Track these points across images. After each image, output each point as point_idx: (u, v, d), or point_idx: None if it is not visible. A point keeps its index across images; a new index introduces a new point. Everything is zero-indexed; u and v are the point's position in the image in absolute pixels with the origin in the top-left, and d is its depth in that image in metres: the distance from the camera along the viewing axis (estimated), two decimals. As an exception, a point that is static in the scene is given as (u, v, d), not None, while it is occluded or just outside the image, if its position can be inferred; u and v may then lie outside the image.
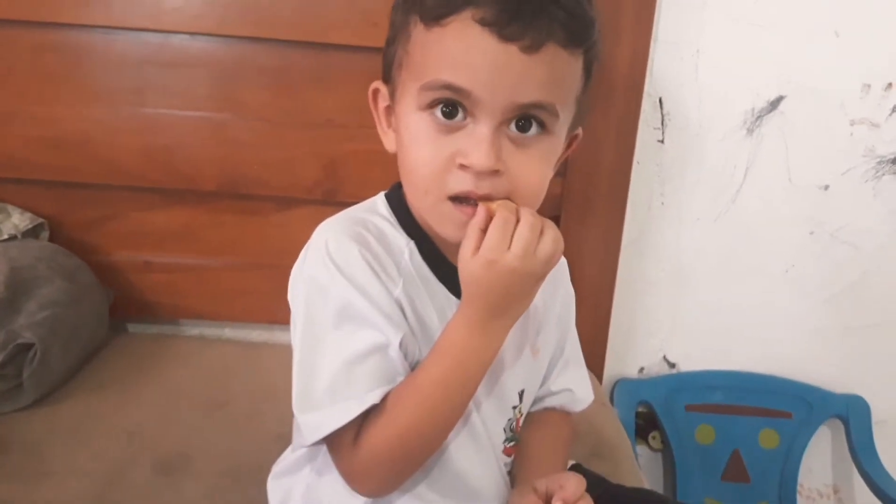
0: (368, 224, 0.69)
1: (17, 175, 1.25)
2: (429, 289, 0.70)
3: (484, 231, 0.61)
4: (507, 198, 0.63)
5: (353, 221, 0.69)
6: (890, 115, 1.29)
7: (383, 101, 0.71)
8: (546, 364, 0.82)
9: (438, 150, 0.63)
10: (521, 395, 0.77)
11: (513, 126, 0.63)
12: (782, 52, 1.26)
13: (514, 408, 0.76)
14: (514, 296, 0.63)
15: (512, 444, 0.78)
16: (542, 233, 0.62)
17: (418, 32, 0.64)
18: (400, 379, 0.65)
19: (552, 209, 1.27)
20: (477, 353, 0.64)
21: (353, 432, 0.64)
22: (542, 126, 0.64)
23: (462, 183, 0.62)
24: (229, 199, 1.29)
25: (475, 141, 0.61)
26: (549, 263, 0.62)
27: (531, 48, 0.59)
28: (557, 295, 0.83)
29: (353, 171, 1.24)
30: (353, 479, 0.67)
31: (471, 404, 0.69)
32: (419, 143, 0.64)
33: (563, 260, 0.84)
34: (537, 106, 0.62)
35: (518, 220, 0.61)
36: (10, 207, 1.23)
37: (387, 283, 0.66)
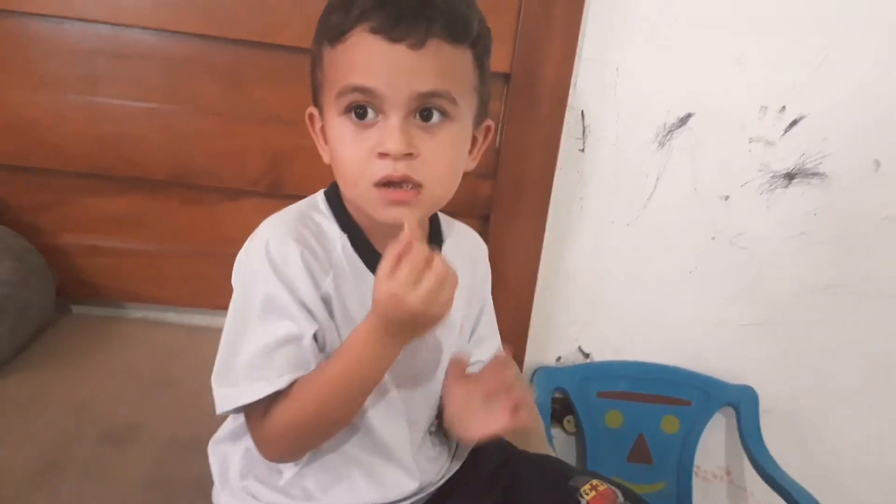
0: (308, 221, 0.78)
1: (-35, 157, 1.25)
2: (357, 278, 0.78)
3: (399, 260, 0.66)
4: (420, 183, 0.72)
5: (296, 220, 0.78)
6: (783, 134, 1.40)
7: (318, 123, 0.80)
8: (467, 337, 0.91)
9: (359, 145, 0.72)
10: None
11: (417, 117, 0.72)
12: (692, 74, 1.35)
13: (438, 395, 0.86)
14: (410, 327, 0.70)
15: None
16: (445, 281, 0.67)
17: (327, 53, 0.74)
18: (311, 367, 0.73)
19: (483, 209, 1.36)
20: (371, 360, 0.71)
21: (263, 409, 0.73)
22: (444, 114, 0.73)
23: (383, 169, 0.71)
24: (177, 188, 1.32)
25: (388, 131, 0.70)
26: (446, 308, 0.68)
27: (417, 45, 0.69)
28: (477, 276, 0.92)
29: (297, 165, 1.29)
30: (260, 448, 0.76)
31: (392, 384, 0.79)
32: (343, 143, 0.73)
33: (483, 243, 0.95)
34: (434, 94, 0.71)
35: (429, 266, 0.66)
36: None
37: (318, 277, 0.74)
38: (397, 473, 0.82)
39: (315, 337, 0.74)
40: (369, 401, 0.77)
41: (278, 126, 1.28)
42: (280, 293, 0.72)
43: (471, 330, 0.92)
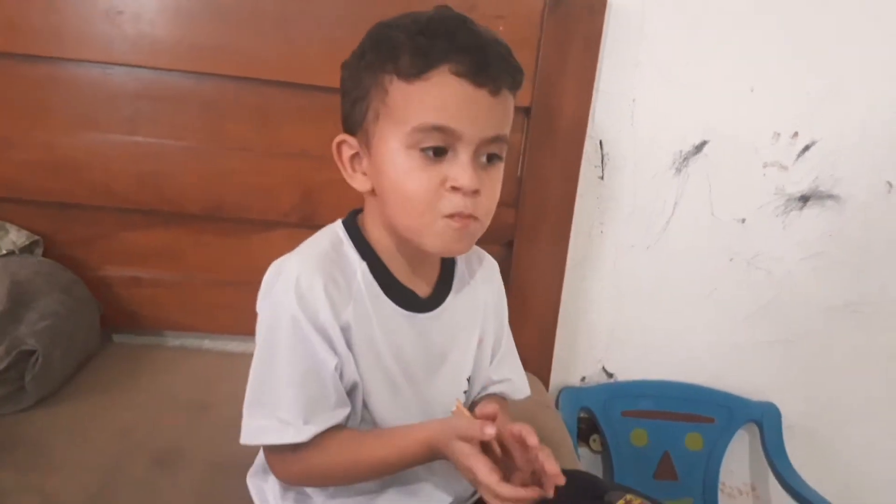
0: (332, 254, 0.81)
1: (14, 195, 1.32)
2: (376, 304, 0.81)
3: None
4: (479, 218, 0.77)
5: (322, 257, 0.80)
6: (796, 159, 1.44)
7: (349, 151, 0.81)
8: (489, 353, 0.94)
9: (430, 178, 0.74)
10: (469, 380, 0.90)
11: (483, 158, 0.77)
12: (706, 103, 1.40)
13: (465, 392, 0.90)
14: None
15: None
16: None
17: (396, 87, 0.75)
18: (333, 402, 0.77)
19: (506, 236, 1.41)
20: (420, 458, 0.77)
21: (291, 449, 0.76)
22: (499, 157, 0.79)
23: (454, 204, 0.75)
24: (212, 221, 1.38)
25: (461, 167, 0.74)
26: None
27: (495, 92, 0.74)
28: (491, 289, 0.95)
29: (325, 197, 1.34)
30: (278, 475, 0.82)
31: (413, 395, 0.84)
32: (412, 175, 0.75)
33: (493, 260, 0.98)
34: (499, 138, 0.77)
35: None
36: (7, 225, 1.30)
37: (339, 308, 0.77)
38: (430, 487, 0.86)
39: (336, 367, 0.78)
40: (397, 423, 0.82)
41: (307, 160, 1.34)
42: (306, 328, 0.76)
43: (492, 349, 0.95)
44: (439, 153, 0.75)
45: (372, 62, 0.77)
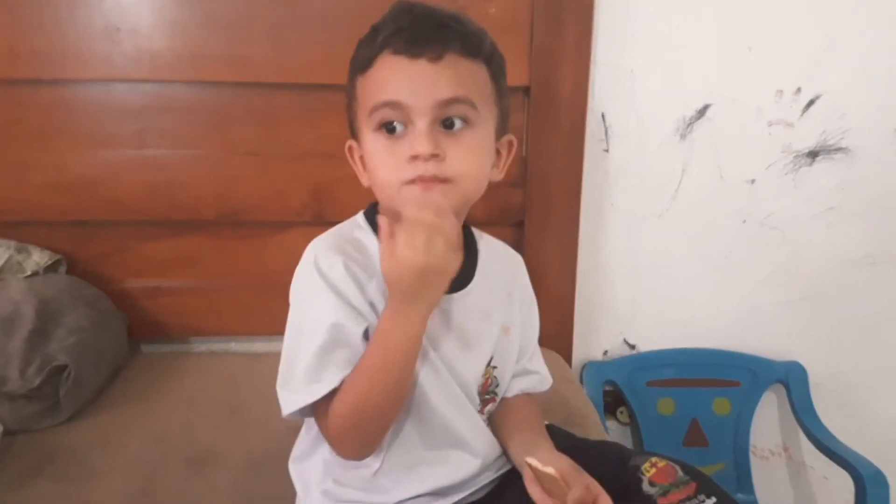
0: (349, 237, 0.85)
1: (34, 217, 1.36)
2: None
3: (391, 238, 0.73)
4: (449, 179, 0.77)
5: (337, 236, 0.86)
6: (801, 115, 1.43)
7: (356, 153, 0.87)
8: (517, 345, 0.96)
9: (392, 154, 0.78)
10: (490, 363, 0.91)
11: (442, 126, 0.79)
12: (705, 66, 1.40)
13: (483, 374, 0.91)
14: (421, 287, 0.74)
15: (486, 405, 0.93)
16: (436, 230, 0.72)
17: (359, 82, 0.82)
18: (358, 353, 0.79)
19: (516, 216, 1.42)
20: (401, 335, 0.77)
21: (325, 407, 0.79)
22: (466, 121, 0.80)
23: (414, 170, 0.77)
24: (228, 226, 1.41)
25: (415, 137, 0.77)
26: (444, 259, 0.72)
27: (435, 58, 0.77)
28: (516, 283, 0.98)
29: (335, 193, 1.37)
30: (333, 447, 0.83)
31: (445, 369, 0.85)
32: (378, 155, 0.80)
33: (518, 255, 1.01)
34: (454, 100, 0.78)
35: (419, 223, 0.72)
36: (30, 247, 1.33)
37: (362, 283, 0.80)
38: (457, 452, 0.88)
39: (366, 335, 0.80)
40: (426, 393, 0.84)
41: (315, 159, 1.36)
42: (330, 299, 0.79)
43: (519, 339, 0.97)
44: (396, 129, 0.79)
45: (349, 70, 0.85)
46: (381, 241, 0.75)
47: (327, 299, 0.79)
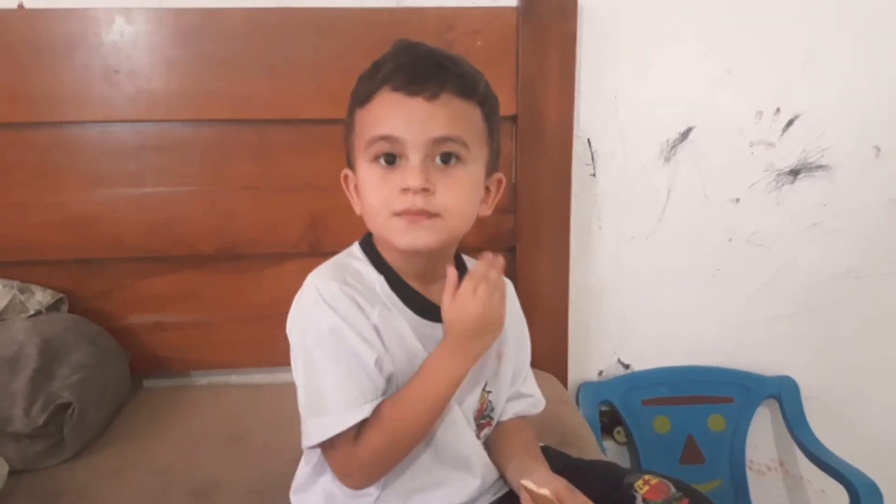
0: (348, 268, 0.88)
1: (35, 257, 1.38)
2: (399, 311, 0.87)
3: (457, 287, 0.82)
4: (437, 213, 0.81)
5: (336, 267, 0.88)
6: (781, 135, 1.47)
7: (353, 181, 0.90)
8: (510, 370, 0.99)
9: (385, 184, 0.82)
10: (485, 388, 0.94)
11: (437, 160, 0.82)
12: (686, 90, 1.43)
13: (479, 399, 0.94)
14: (478, 334, 0.83)
15: (482, 430, 0.95)
16: (496, 286, 0.82)
17: (358, 115, 0.86)
18: (381, 391, 0.82)
19: (508, 242, 1.44)
20: (449, 373, 0.83)
21: (353, 435, 0.81)
22: (458, 158, 0.83)
23: (403, 202, 0.81)
24: (226, 260, 1.43)
25: (408, 170, 0.80)
26: (501, 310, 0.84)
27: (431, 97, 0.81)
28: (509, 310, 0.99)
29: (331, 224, 1.39)
30: (350, 475, 0.85)
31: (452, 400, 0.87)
32: (372, 185, 0.83)
33: (507, 280, 1.02)
34: (447, 139, 0.82)
35: (483, 278, 0.81)
36: (32, 286, 1.34)
37: (366, 311, 0.83)
38: (458, 474, 0.90)
39: (376, 363, 0.83)
40: None
41: (310, 191, 1.39)
42: (340, 325, 0.81)
43: (512, 363, 0.99)
44: (391, 161, 0.82)
45: (349, 103, 0.89)
46: (446, 288, 0.83)
47: (337, 325, 0.81)
